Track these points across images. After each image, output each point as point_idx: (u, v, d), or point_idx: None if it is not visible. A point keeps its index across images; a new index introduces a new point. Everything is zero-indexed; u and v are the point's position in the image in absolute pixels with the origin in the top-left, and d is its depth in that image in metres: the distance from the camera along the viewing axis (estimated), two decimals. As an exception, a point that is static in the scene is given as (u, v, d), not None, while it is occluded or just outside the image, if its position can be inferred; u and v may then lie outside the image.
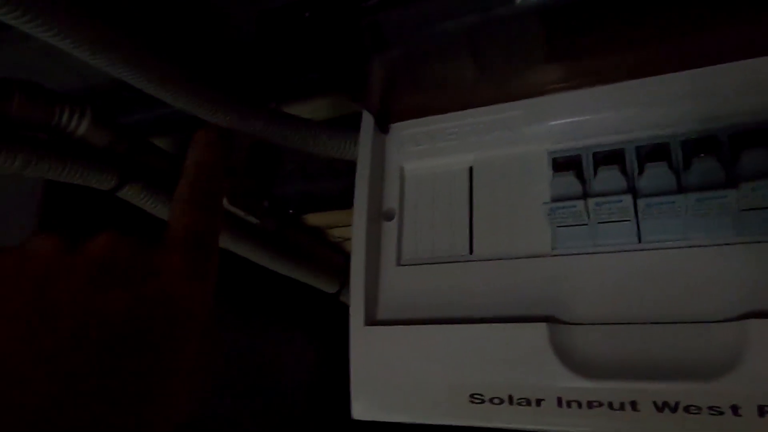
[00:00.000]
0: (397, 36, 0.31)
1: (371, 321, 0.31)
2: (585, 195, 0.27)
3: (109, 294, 0.20)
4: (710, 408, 0.23)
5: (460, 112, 0.33)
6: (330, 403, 0.31)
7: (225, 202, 0.44)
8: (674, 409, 0.24)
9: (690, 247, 0.26)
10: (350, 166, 0.36)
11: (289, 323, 0.63)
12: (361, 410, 0.30)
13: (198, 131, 0.29)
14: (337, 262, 0.57)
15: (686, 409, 0.23)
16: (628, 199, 0.26)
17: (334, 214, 0.52)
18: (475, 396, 0.27)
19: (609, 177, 0.27)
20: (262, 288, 0.57)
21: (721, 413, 0.23)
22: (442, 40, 0.32)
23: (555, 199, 0.28)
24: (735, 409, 0.23)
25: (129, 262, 0.21)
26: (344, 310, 0.32)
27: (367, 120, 0.35)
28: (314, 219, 0.54)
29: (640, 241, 0.27)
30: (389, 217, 0.33)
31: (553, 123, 0.30)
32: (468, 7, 0.29)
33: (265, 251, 0.49)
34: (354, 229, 0.33)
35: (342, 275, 0.56)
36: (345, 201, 0.36)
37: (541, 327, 0.27)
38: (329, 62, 0.30)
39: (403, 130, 0.34)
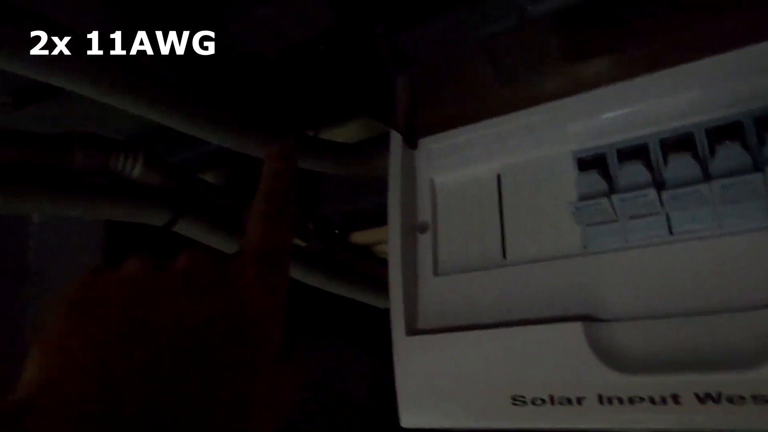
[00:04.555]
0: (416, 55, 0.32)
1: (412, 331, 0.32)
2: (610, 192, 0.28)
3: (196, 306, 0.21)
4: (754, 397, 0.23)
5: (484, 122, 0.34)
6: (390, 414, 0.32)
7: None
8: (717, 400, 0.23)
9: (723, 235, 0.26)
10: (387, 183, 0.37)
11: (345, 339, 0.65)
12: (408, 418, 0.31)
13: (274, 142, 0.29)
14: (385, 277, 0.58)
15: (729, 399, 0.23)
16: (652, 192, 0.26)
17: (377, 231, 0.53)
18: (517, 398, 0.28)
19: (633, 172, 0.27)
20: (316, 306, 0.59)
21: (767, 401, 0.22)
22: (460, 54, 0.33)
23: (582, 198, 0.28)
24: (781, 397, 0.22)
25: (209, 274, 0.23)
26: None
27: (395, 138, 0.36)
28: (359, 237, 0.55)
29: (671, 233, 0.27)
30: (423, 229, 0.34)
31: (576, 124, 0.31)
32: (479, 20, 0.30)
33: (315, 272, 0.51)
34: (390, 244, 0.34)
35: (391, 290, 0.57)
36: (385, 217, 0.38)
37: (577, 326, 0.27)
38: (349, 89, 0.31)
39: (430, 144, 0.35)
